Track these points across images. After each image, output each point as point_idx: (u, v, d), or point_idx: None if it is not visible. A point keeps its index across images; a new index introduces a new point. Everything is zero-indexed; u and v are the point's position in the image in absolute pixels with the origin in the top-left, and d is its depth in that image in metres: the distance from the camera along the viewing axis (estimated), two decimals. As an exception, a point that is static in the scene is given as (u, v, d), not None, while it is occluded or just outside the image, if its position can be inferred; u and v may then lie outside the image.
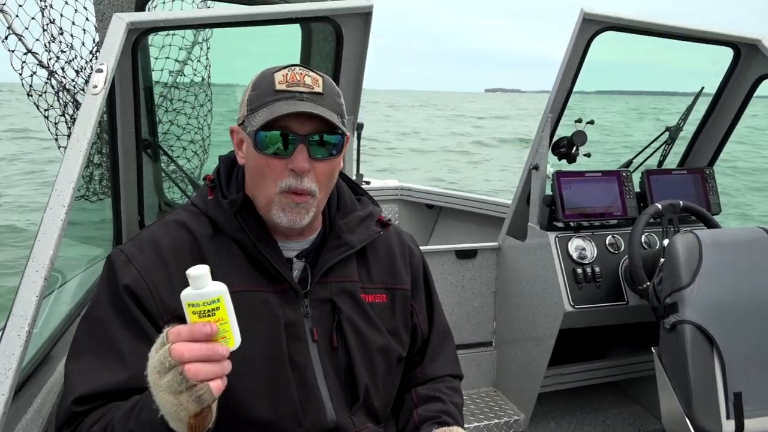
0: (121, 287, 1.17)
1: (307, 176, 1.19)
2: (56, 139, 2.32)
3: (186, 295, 0.95)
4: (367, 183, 4.29)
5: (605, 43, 2.45)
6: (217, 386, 0.93)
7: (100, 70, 1.46)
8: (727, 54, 2.70)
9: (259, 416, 1.20)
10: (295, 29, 2.24)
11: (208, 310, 0.95)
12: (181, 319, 1.17)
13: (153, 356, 0.95)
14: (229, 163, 1.35)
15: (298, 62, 1.28)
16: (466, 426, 2.60)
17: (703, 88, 2.80)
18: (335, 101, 1.23)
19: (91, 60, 2.28)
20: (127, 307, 1.17)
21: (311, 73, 1.22)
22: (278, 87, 1.18)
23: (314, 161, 1.19)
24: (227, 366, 0.95)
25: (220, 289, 0.96)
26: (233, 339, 0.97)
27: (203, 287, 0.95)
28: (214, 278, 0.97)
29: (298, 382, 1.23)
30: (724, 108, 2.81)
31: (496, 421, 2.68)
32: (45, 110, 2.30)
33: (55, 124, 2.32)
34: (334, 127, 1.19)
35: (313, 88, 1.20)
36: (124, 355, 1.14)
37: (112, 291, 1.19)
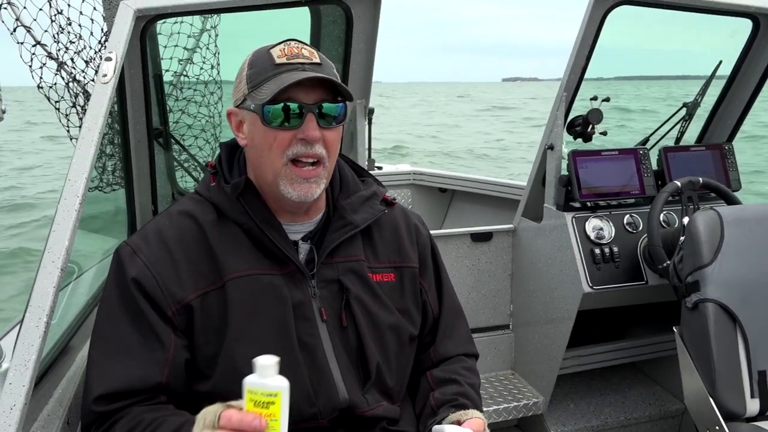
0: (129, 280, 1.19)
1: (317, 143, 1.20)
2: (68, 131, 2.31)
3: (248, 381, 0.98)
4: (379, 168, 4.27)
5: (621, 18, 2.40)
6: None
7: (109, 59, 1.44)
8: (746, 26, 2.64)
9: None
10: (304, 12, 2.21)
11: (265, 402, 0.97)
12: (188, 309, 1.19)
13: (201, 421, 1.01)
14: (229, 149, 1.36)
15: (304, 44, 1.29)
16: (485, 409, 2.61)
17: (720, 62, 2.73)
18: (332, 72, 1.25)
19: (100, 50, 2.26)
20: (135, 301, 1.19)
21: (307, 46, 1.24)
22: (278, 61, 1.20)
23: (323, 129, 1.21)
24: None
25: (282, 384, 0.98)
26: None
27: (267, 377, 0.98)
28: (220, 266, 0.98)
29: (308, 363, 1.24)
30: (743, 82, 2.75)
31: (515, 403, 2.67)
32: (56, 102, 2.29)
33: (66, 115, 2.32)
34: (337, 96, 1.22)
35: (311, 59, 1.22)
36: (135, 354, 1.17)
37: (119, 284, 1.21)
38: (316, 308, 1.27)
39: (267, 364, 0.97)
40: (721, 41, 2.73)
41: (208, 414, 1.01)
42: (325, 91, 1.20)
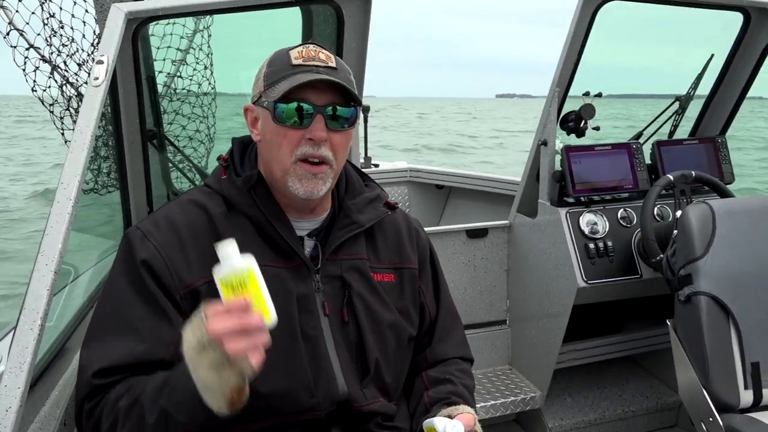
0: (138, 262, 1.21)
1: (324, 145, 1.24)
2: (62, 134, 2.32)
3: (217, 270, 0.98)
4: (376, 166, 4.28)
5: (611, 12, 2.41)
6: (256, 359, 0.97)
7: (100, 62, 1.45)
8: (737, 19, 2.65)
9: (272, 388, 1.22)
10: (296, 12, 2.22)
11: (240, 283, 0.97)
12: (195, 294, 1.21)
13: (189, 334, 0.99)
14: (242, 144, 1.40)
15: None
16: (483, 404, 2.64)
17: (713, 55, 2.74)
18: (347, 77, 1.28)
19: (92, 53, 2.27)
20: (143, 281, 1.20)
21: (324, 50, 1.28)
22: (295, 62, 1.24)
23: (330, 132, 1.24)
24: (265, 338, 0.97)
25: (248, 261, 0.98)
26: (269, 313, 0.98)
27: (232, 260, 0.98)
28: None
29: (310, 355, 1.26)
30: (735, 75, 2.76)
31: (513, 398, 2.69)
32: (50, 105, 2.30)
33: (61, 118, 2.33)
34: (349, 100, 1.25)
35: (327, 63, 1.25)
36: (141, 329, 1.17)
37: (128, 266, 1.22)
38: (320, 302, 1.30)
39: (227, 249, 0.98)
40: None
41: (192, 325, 1.00)
42: (337, 94, 1.24)
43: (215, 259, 1.21)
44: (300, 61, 1.24)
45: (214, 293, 1.19)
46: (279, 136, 1.24)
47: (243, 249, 1.24)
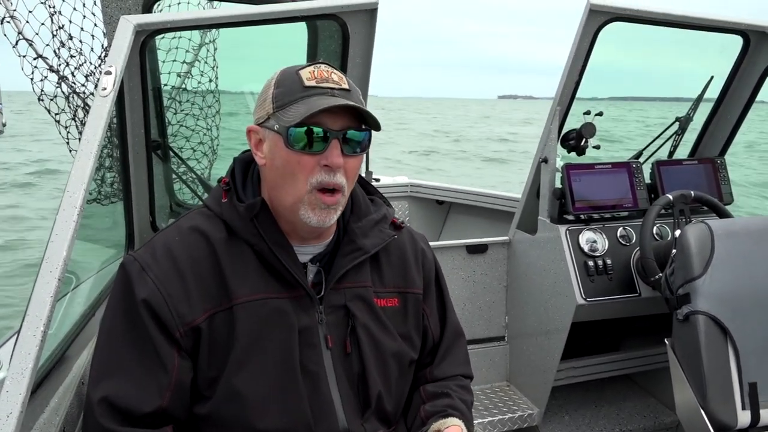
0: (139, 302, 1.18)
1: (339, 171, 1.19)
2: (67, 143, 2.34)
3: None
4: (377, 180, 4.29)
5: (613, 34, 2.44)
6: None
7: (108, 72, 1.46)
8: (736, 42, 2.68)
9: (271, 425, 1.20)
10: (301, 27, 2.25)
11: None
12: (196, 331, 1.19)
13: None
14: (244, 164, 1.34)
15: (306, 61, 1.29)
16: (480, 420, 2.63)
17: (712, 77, 2.77)
18: (360, 99, 1.24)
19: (100, 64, 2.29)
20: (143, 323, 1.18)
21: (336, 71, 1.23)
22: (307, 83, 1.19)
23: (345, 157, 1.20)
24: None
25: None
26: None
27: None
28: (228, 287, 0.96)
29: (310, 390, 1.23)
30: (734, 97, 2.79)
31: (510, 415, 2.68)
32: (56, 114, 2.32)
33: (66, 128, 2.35)
34: (363, 124, 1.21)
35: (341, 85, 1.21)
36: (135, 374, 1.17)
37: (128, 303, 1.20)
38: (322, 335, 1.26)
39: None
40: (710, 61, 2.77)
41: None
42: (351, 118, 1.19)
43: (215, 287, 1.20)
44: (313, 83, 1.18)
45: (214, 330, 1.20)
46: (292, 163, 1.18)
47: (246, 279, 1.22)
